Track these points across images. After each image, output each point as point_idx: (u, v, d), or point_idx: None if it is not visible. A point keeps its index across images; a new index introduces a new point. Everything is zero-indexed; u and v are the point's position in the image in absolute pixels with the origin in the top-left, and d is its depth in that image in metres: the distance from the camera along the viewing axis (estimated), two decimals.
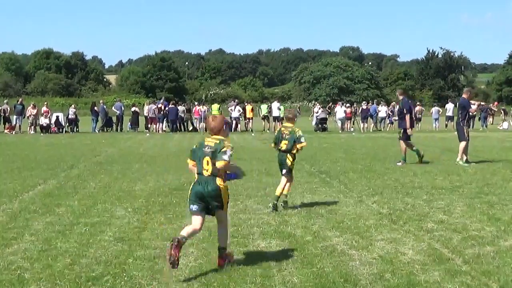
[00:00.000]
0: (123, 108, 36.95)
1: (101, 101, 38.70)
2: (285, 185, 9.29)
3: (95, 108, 35.52)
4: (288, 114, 9.73)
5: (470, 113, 16.73)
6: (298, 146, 9.15)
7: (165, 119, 35.15)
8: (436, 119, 39.54)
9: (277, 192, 9.22)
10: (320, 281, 5.56)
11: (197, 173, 5.97)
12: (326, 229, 7.74)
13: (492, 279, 5.62)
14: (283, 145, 9.25)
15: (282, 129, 9.46)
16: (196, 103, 39.50)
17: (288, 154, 9.23)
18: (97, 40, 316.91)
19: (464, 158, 15.76)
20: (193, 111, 36.58)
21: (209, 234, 7.36)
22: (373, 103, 40.91)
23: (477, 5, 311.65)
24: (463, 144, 15.79)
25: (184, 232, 5.81)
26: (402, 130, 16.00)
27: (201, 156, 5.94)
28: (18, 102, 34.55)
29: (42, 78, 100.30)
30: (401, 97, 16.65)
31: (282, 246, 6.85)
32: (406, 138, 15.78)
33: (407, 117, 15.71)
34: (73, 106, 36.72)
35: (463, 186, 11.51)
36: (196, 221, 5.94)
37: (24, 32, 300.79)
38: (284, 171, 9.32)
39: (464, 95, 16.56)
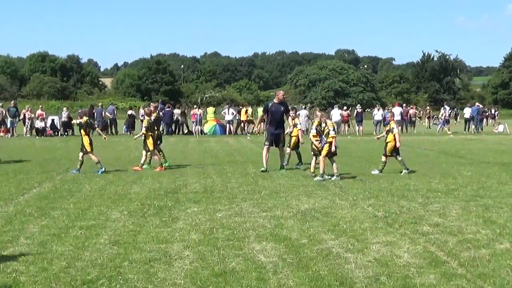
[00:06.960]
0: (115, 112, 36.83)
1: (99, 104, 38.44)
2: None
3: (93, 111, 35.39)
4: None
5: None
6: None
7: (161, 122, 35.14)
8: None
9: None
10: (315, 284, 5.56)
11: None
12: (321, 232, 7.74)
13: (487, 282, 5.63)
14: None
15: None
16: (194, 106, 39.49)
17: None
18: (92, 43, 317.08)
19: (285, 162, 15.42)
20: (190, 114, 36.59)
21: (204, 237, 7.36)
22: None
23: (472, 8, 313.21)
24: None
25: None
26: None
27: None
28: (12, 105, 34.40)
29: (37, 81, 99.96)
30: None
31: (278, 249, 6.84)
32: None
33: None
34: (65, 109, 36.20)
35: (459, 189, 11.54)
36: None
37: (19, 35, 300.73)
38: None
39: (275, 100, 15.71)
